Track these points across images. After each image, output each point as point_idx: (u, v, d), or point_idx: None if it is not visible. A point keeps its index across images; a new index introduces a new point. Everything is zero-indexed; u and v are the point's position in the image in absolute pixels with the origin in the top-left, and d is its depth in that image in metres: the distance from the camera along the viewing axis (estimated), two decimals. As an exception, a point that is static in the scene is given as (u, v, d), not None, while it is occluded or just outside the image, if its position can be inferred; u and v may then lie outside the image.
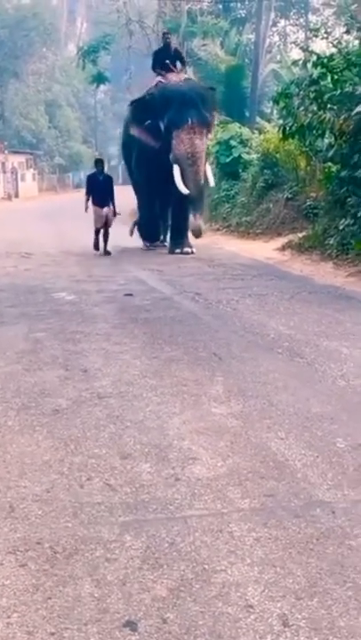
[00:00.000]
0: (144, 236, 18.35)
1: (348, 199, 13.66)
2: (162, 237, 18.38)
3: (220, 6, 37.12)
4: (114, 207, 16.86)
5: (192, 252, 16.35)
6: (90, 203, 16.83)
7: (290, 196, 18.52)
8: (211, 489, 4.12)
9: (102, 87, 52.10)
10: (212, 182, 17.22)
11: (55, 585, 3.21)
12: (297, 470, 4.36)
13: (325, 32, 17.45)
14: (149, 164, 16.64)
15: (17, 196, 48.88)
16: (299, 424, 5.17)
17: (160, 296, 10.79)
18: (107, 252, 16.59)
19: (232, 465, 4.45)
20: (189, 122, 15.82)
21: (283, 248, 15.91)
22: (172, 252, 16.66)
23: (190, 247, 16.61)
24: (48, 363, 7.01)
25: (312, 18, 44.78)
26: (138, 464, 4.49)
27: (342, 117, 13.66)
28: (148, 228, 18.31)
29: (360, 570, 3.28)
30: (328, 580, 3.21)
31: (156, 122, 16.33)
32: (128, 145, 18.51)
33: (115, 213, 16.92)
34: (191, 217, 16.25)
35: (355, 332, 8.15)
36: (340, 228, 13.66)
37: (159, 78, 17.51)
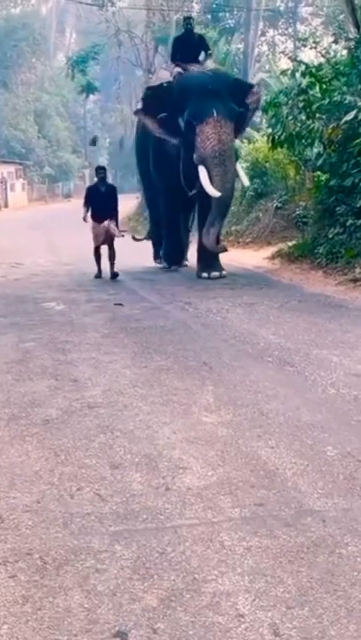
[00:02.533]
0: (166, 258, 15.97)
1: (338, 208, 13.70)
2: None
3: (209, 16, 37.29)
4: (117, 223, 14.42)
5: (223, 276, 13.90)
6: (88, 216, 14.45)
7: (279, 204, 18.59)
8: (201, 498, 4.11)
9: (92, 97, 52.30)
10: (245, 181, 15.30)
11: (45, 596, 3.19)
12: (287, 479, 4.36)
13: (314, 42, 17.59)
14: (172, 167, 14.31)
15: (6, 206, 48.86)
16: (289, 433, 5.16)
17: (150, 305, 10.80)
18: (114, 276, 13.99)
19: (222, 474, 4.44)
20: (215, 114, 13.35)
21: (272, 257, 15.95)
22: (200, 276, 14.04)
23: (221, 270, 14.06)
24: (38, 373, 7.00)
25: (300, 27, 45.03)
26: (128, 474, 4.48)
27: (331, 126, 13.73)
28: (172, 247, 15.81)
29: (351, 579, 3.27)
30: (319, 589, 3.20)
31: (173, 115, 13.97)
32: (142, 144, 16.23)
33: (118, 230, 14.38)
34: (208, 235, 13.82)
35: (344, 340, 8.17)
36: (330, 236, 13.69)
37: (178, 69, 14.80)
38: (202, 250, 14.28)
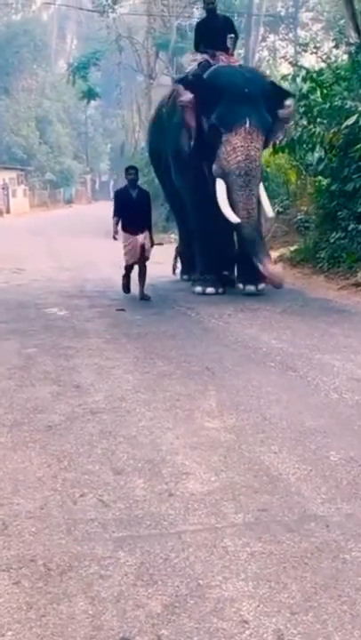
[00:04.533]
0: (201, 273, 13.05)
1: (339, 213, 13.70)
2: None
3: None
4: (150, 233, 12.12)
5: (258, 290, 12.14)
6: (119, 227, 12.03)
7: (281, 209, 18.57)
8: (205, 504, 4.10)
9: (93, 103, 52.31)
10: (269, 212, 12.51)
11: (49, 602, 3.19)
12: (291, 484, 4.35)
13: (314, 47, 17.61)
14: (200, 169, 12.20)
15: (8, 211, 48.88)
16: (292, 438, 5.16)
17: (152, 311, 10.79)
18: (144, 297, 11.87)
19: (226, 479, 4.44)
20: (247, 125, 11.44)
21: (274, 262, 15.91)
22: (242, 290, 12.31)
23: (258, 284, 12.17)
24: (40, 378, 6.99)
25: (301, 33, 45.10)
26: (131, 479, 4.48)
27: (332, 131, 13.74)
28: (207, 260, 12.97)
29: (355, 584, 3.27)
30: (323, 594, 3.19)
31: (198, 116, 11.96)
32: (158, 145, 14.24)
33: (152, 242, 12.17)
34: (259, 265, 11.49)
35: (347, 345, 8.16)
36: (332, 241, 13.69)
37: (204, 57, 12.79)
38: (242, 261, 12.38)
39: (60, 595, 3.25)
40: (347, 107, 13.59)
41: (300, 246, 15.62)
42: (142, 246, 11.78)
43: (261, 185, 11.92)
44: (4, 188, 49.68)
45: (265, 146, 12.56)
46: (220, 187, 11.65)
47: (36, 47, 62.20)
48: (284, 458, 4.78)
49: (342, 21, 20.09)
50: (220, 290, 12.35)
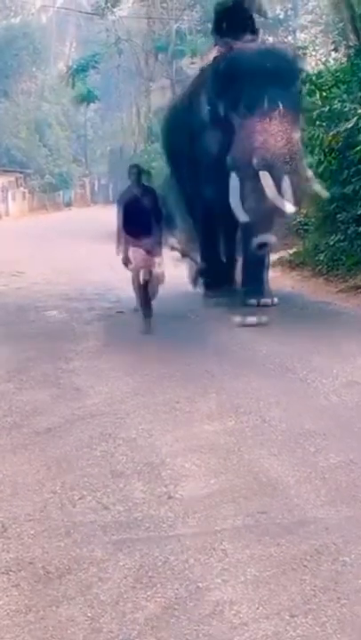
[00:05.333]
0: (205, 283, 12.03)
1: (338, 215, 13.69)
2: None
3: (209, 25, 37.33)
4: (160, 243, 9.95)
5: (273, 304, 10.65)
6: (123, 242, 9.87)
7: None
8: (204, 506, 4.10)
9: (92, 106, 52.32)
10: (289, 207, 9.70)
11: (48, 605, 3.19)
12: (290, 487, 4.35)
13: (313, 50, 17.60)
14: (209, 167, 10.71)
15: (7, 214, 48.88)
16: (291, 440, 5.16)
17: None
18: (147, 311, 9.69)
19: (225, 482, 4.44)
20: (265, 107, 9.72)
21: (273, 264, 15.92)
22: (245, 303, 10.48)
23: (271, 296, 10.81)
24: (40, 381, 6.99)
25: (300, 36, 45.07)
26: (130, 482, 4.48)
27: (331, 134, 13.73)
28: (208, 268, 11.90)
29: (355, 586, 3.27)
30: (322, 596, 3.19)
31: (214, 102, 10.50)
32: (178, 139, 12.31)
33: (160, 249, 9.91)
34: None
35: (346, 347, 8.15)
36: (331, 244, 13.68)
37: (226, 41, 10.95)
38: (248, 270, 11.07)
39: (59, 597, 3.25)
40: (346, 109, 13.58)
41: (300, 249, 15.61)
42: (148, 259, 9.63)
43: (286, 179, 9.74)
44: (2, 191, 49.70)
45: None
46: (233, 180, 9.90)
47: (35, 50, 62.17)
48: (283, 460, 4.78)
49: (341, 24, 20.09)
50: (264, 318, 9.82)
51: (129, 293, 12.88)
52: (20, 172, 55.61)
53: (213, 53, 11.19)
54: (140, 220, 9.66)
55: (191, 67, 32.20)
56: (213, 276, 11.87)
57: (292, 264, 15.03)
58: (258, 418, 5.68)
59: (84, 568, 3.49)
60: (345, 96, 14.17)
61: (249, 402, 6.12)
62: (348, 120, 13.29)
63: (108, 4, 36.55)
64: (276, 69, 9.96)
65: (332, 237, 13.73)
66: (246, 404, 6.04)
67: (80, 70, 37.18)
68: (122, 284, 13.96)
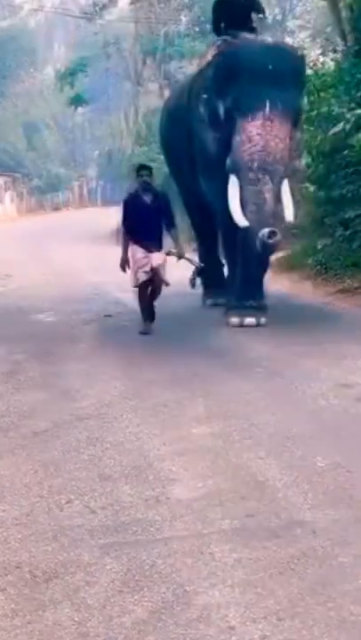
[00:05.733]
0: (203, 283, 11.89)
1: (326, 219, 13.72)
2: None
3: (197, 28, 37.35)
4: (178, 244, 9.85)
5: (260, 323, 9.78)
6: (130, 247, 9.42)
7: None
8: (191, 510, 4.10)
9: (80, 109, 52.21)
10: (289, 216, 9.93)
11: (35, 609, 3.18)
12: (277, 490, 4.35)
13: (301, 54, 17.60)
14: (207, 167, 10.53)
15: (-2, 216, 48.84)
16: (279, 444, 5.16)
17: (140, 317, 10.76)
18: (148, 321, 9.50)
19: (212, 485, 4.43)
20: (267, 109, 9.51)
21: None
22: (243, 304, 10.00)
23: (265, 313, 9.94)
24: (27, 385, 6.98)
25: (288, 40, 45.17)
26: (118, 486, 4.47)
27: (319, 138, 13.77)
28: (206, 269, 11.48)
29: (341, 589, 3.26)
30: (309, 600, 3.19)
31: (213, 100, 10.14)
32: (176, 133, 12.02)
33: (180, 255, 9.85)
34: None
35: (334, 351, 8.16)
36: (320, 247, 13.72)
37: (225, 39, 10.69)
38: (243, 274, 10.35)
39: (46, 601, 3.24)
40: (334, 113, 13.62)
41: (288, 253, 15.64)
42: (155, 266, 9.25)
43: (286, 184, 9.83)
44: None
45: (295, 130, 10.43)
46: (232, 184, 9.72)
47: (24, 53, 62.20)
48: (270, 464, 4.78)
49: (329, 29, 20.16)
50: (263, 320, 9.77)
51: (117, 297, 12.92)
52: (9, 176, 55.60)
53: (213, 51, 10.93)
54: (149, 227, 9.26)
55: (180, 70, 32.30)
56: (212, 277, 11.78)
57: (282, 267, 15.04)
58: (246, 421, 5.68)
59: (71, 572, 3.48)
60: (333, 100, 14.21)
61: (237, 405, 6.12)
62: (336, 124, 13.33)
63: (97, 8, 36.61)
64: (280, 68, 9.71)
65: (320, 241, 13.77)
66: (234, 408, 6.04)
67: (69, 74, 37.12)
68: (110, 287, 14.00)
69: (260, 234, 9.30)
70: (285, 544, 3.69)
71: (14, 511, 4.15)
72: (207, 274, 11.81)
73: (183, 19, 37.03)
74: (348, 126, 13.04)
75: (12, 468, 4.83)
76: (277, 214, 9.71)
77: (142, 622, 3.05)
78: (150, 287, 9.42)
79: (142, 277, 9.32)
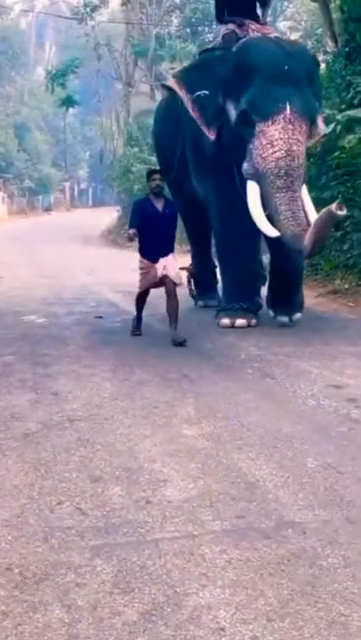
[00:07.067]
0: (196, 286, 12.08)
1: (316, 220, 13.74)
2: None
3: (188, 30, 37.42)
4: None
5: (296, 320, 10.02)
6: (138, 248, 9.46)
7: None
8: (182, 511, 4.10)
9: (71, 110, 52.23)
10: (312, 214, 9.18)
11: (25, 611, 3.17)
12: (268, 491, 4.36)
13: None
14: (228, 170, 9.71)
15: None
16: (270, 444, 5.17)
17: (131, 318, 10.75)
18: (177, 342, 8.74)
19: (203, 487, 4.44)
20: (288, 110, 8.95)
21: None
22: (275, 319, 10.06)
23: (301, 310, 10.19)
24: (18, 386, 6.97)
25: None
26: (108, 487, 4.47)
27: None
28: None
29: (331, 590, 3.27)
30: (300, 600, 3.20)
31: (217, 98, 9.64)
32: (170, 132, 11.51)
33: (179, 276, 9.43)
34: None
35: (324, 351, 8.19)
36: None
37: (229, 27, 10.20)
38: (278, 283, 10.21)
39: (37, 603, 3.23)
40: (324, 115, 13.66)
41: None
42: (165, 277, 9.11)
43: (305, 188, 9.55)
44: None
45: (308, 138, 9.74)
46: (253, 191, 9.27)
47: (14, 54, 62.19)
48: (261, 465, 4.78)
49: (320, 30, 20.21)
50: (253, 321, 9.90)
51: (108, 298, 12.92)
52: (0, 176, 55.46)
53: (218, 40, 10.50)
54: (159, 237, 9.10)
55: (170, 72, 32.32)
56: (203, 279, 11.98)
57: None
58: (236, 422, 5.69)
59: (61, 574, 3.47)
60: (323, 102, 14.24)
61: (227, 406, 6.13)
62: (326, 126, 13.36)
63: (88, 9, 36.63)
64: (296, 67, 9.24)
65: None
66: (225, 409, 6.05)
67: (59, 75, 37.14)
68: (101, 290, 14.00)
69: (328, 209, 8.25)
70: (276, 545, 3.70)
71: (4, 513, 4.14)
72: (199, 275, 12.01)
73: (174, 20, 37.16)
74: (338, 128, 13.09)
75: (2, 469, 4.81)
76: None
77: (133, 624, 3.05)
78: (166, 295, 9.18)
79: (145, 286, 9.46)
